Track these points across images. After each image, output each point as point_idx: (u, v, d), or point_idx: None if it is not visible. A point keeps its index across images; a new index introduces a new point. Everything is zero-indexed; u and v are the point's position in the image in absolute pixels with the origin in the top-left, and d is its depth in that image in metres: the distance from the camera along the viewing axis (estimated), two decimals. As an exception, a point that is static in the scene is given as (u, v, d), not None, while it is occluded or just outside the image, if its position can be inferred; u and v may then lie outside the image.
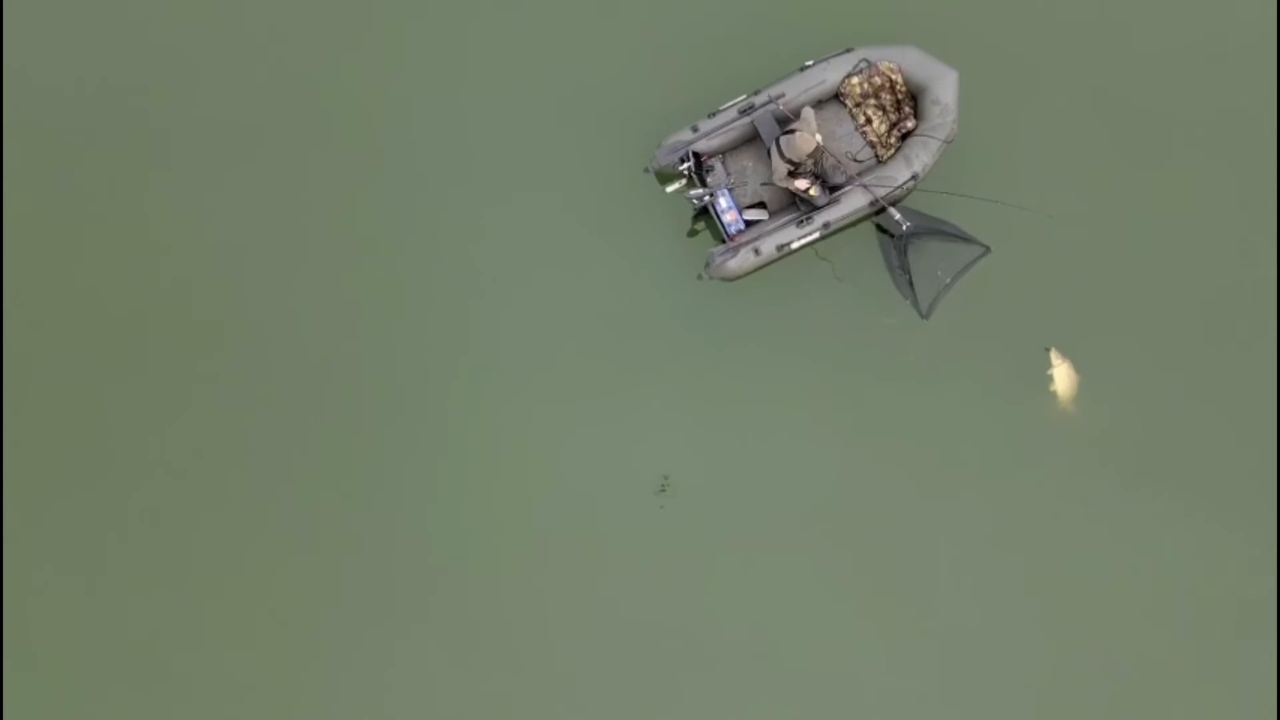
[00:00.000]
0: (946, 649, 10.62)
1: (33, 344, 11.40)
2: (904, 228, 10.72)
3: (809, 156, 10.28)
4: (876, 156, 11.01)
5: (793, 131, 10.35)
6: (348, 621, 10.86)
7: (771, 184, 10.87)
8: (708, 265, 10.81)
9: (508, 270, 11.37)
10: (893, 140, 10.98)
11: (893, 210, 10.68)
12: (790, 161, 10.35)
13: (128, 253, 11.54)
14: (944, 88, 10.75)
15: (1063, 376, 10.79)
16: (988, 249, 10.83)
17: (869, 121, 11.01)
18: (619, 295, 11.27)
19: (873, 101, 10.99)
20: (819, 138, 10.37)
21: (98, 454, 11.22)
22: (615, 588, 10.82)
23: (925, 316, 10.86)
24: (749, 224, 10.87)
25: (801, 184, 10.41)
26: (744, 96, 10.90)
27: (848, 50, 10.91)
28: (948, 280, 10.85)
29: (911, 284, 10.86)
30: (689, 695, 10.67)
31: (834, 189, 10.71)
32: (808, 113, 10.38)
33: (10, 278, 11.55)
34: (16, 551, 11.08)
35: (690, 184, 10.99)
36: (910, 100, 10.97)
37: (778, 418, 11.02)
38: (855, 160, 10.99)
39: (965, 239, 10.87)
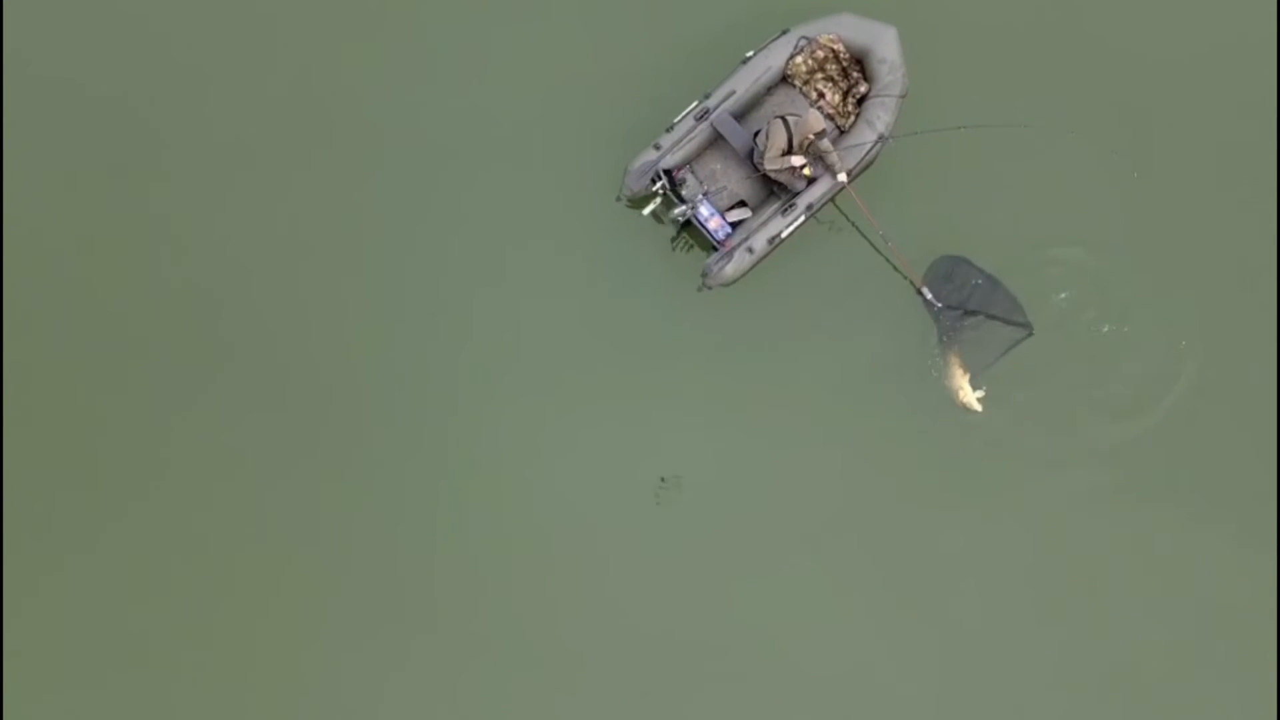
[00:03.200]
0: (952, 651, 10.66)
1: (33, 345, 11.13)
2: (936, 307, 10.87)
3: (817, 135, 10.27)
4: (839, 127, 11.01)
5: (797, 115, 10.42)
6: (351, 626, 10.76)
7: (748, 179, 10.87)
8: (705, 275, 10.74)
9: (503, 318, 11.25)
10: (850, 108, 11.00)
11: (924, 290, 10.85)
12: (791, 144, 10.36)
13: (130, 255, 11.30)
14: (886, 45, 10.79)
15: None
16: (1029, 329, 10.86)
17: (822, 96, 11.00)
18: (624, 323, 11.19)
19: (820, 75, 11.00)
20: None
21: (96, 457, 10.99)
22: (622, 592, 10.80)
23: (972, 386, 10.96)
24: (734, 226, 10.82)
25: (798, 160, 10.39)
26: (696, 103, 10.84)
27: (784, 32, 10.90)
28: (990, 361, 10.89)
29: (944, 358, 10.93)
30: (695, 698, 10.65)
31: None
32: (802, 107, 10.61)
33: (11, 279, 11.22)
34: (17, 553, 10.82)
35: (666, 201, 10.91)
36: (856, 65, 11.00)
37: (786, 422, 11.02)
38: (796, 115, 10.94)
39: (1003, 319, 10.90)
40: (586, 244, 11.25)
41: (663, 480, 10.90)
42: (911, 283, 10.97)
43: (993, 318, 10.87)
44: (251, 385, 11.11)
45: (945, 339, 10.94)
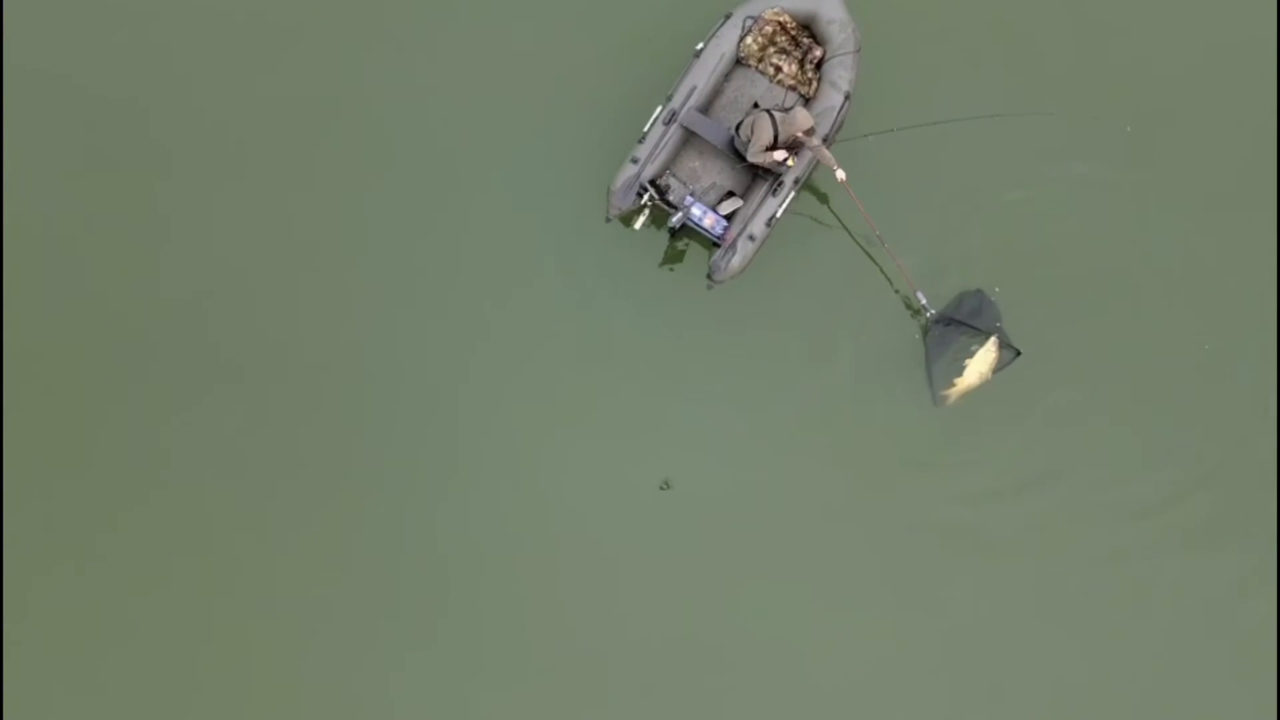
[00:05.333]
0: (953, 655, 10.69)
1: (33, 345, 10.96)
2: (929, 313, 10.87)
3: (806, 134, 10.22)
4: (803, 96, 11.00)
5: (787, 109, 10.35)
6: (352, 631, 10.71)
7: (731, 170, 10.83)
8: (712, 274, 10.70)
9: (507, 333, 11.19)
10: (810, 74, 10.98)
11: (919, 294, 10.83)
12: (776, 141, 10.31)
13: (131, 258, 11.16)
14: (829, 5, 10.79)
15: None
16: (1018, 352, 10.78)
17: (779, 70, 10.97)
18: (639, 337, 11.14)
19: (773, 49, 10.96)
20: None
21: (95, 460, 10.87)
22: (628, 594, 10.78)
23: (937, 404, 10.87)
24: (728, 218, 10.79)
25: (779, 155, 10.37)
26: (660, 107, 10.78)
27: (727, 17, 10.86)
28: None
29: (930, 370, 10.89)
30: (699, 699, 10.65)
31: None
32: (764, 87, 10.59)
33: (11, 279, 11.06)
34: (17, 554, 10.70)
35: (655, 211, 10.85)
36: (805, 32, 10.98)
37: (790, 423, 11.02)
38: (785, 110, 10.95)
39: (997, 337, 10.83)
40: (586, 265, 11.20)
41: (664, 485, 10.93)
42: (905, 288, 10.99)
43: (986, 334, 10.81)
44: (253, 392, 10.97)
45: (934, 346, 10.92)
